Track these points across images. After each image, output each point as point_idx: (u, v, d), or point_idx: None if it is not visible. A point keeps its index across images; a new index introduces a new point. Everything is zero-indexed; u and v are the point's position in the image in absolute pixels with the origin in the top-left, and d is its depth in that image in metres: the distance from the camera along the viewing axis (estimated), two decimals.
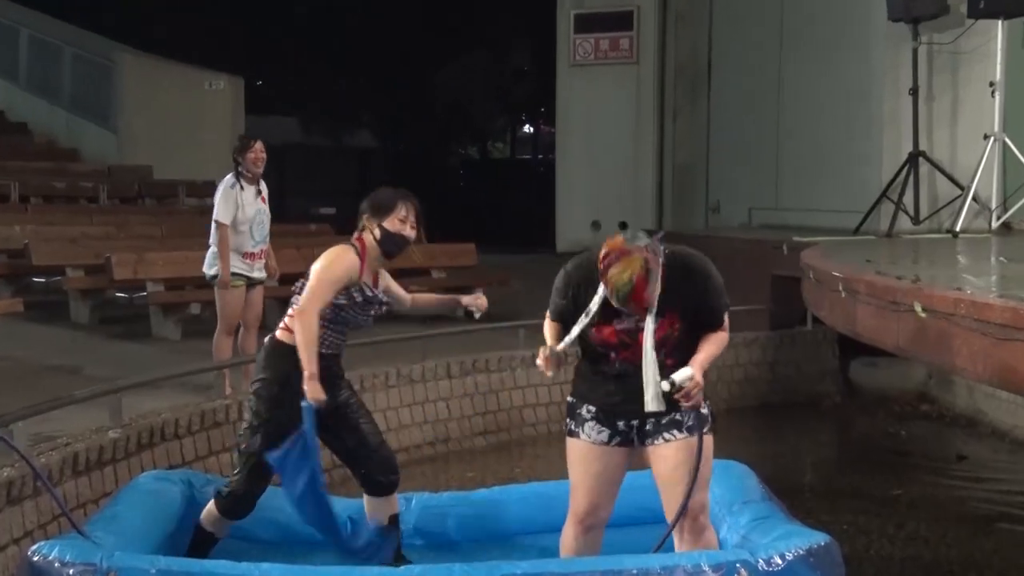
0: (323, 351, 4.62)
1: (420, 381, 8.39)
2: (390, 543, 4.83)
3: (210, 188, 14.51)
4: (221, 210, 7.25)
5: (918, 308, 5.14)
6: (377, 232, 4.69)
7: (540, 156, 28.46)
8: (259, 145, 7.41)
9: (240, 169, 7.37)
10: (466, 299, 5.02)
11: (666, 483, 4.04)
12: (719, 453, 4.23)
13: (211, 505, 4.74)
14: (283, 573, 3.94)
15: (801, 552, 3.92)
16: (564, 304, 4.05)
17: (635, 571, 3.86)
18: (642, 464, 4.18)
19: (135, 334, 9.76)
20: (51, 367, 8.24)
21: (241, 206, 7.28)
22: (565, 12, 15.78)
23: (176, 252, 10.32)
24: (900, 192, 10.79)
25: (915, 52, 10.87)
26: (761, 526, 4.32)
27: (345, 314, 4.70)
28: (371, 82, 23.64)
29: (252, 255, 7.38)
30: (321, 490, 4.58)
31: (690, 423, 3.99)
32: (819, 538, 4.06)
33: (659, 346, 3.88)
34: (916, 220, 10.83)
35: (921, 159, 10.85)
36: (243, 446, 4.71)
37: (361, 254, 4.69)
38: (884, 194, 10.95)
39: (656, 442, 4.02)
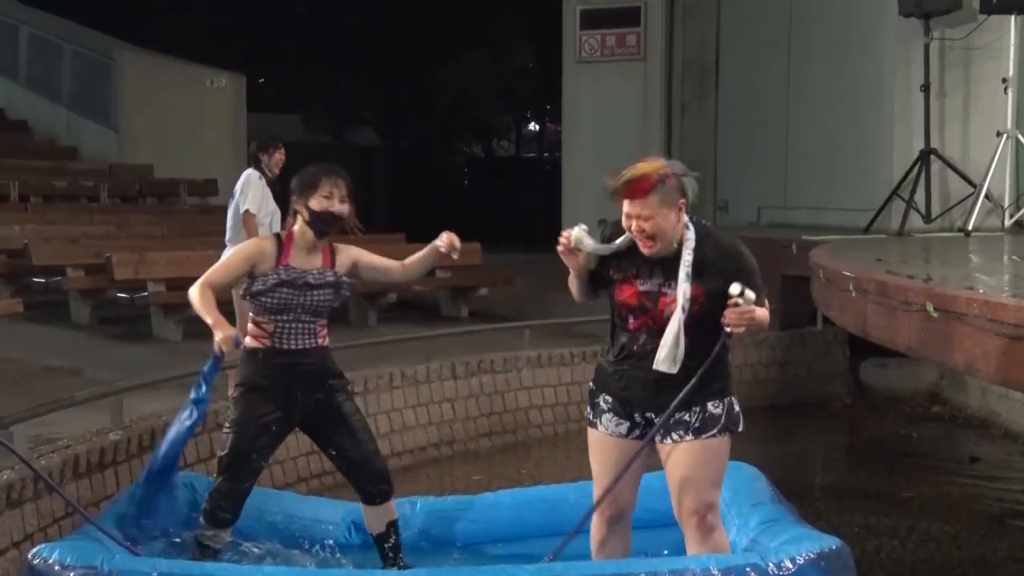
0: (290, 346, 4.62)
1: (424, 382, 8.35)
2: None
3: (212, 187, 14.61)
4: (249, 199, 7.32)
5: (930, 308, 5.09)
6: (306, 213, 4.65)
7: (546, 154, 28.42)
8: (282, 149, 7.53)
9: (262, 167, 7.44)
10: (440, 244, 4.82)
11: (670, 484, 4.02)
12: (729, 454, 4.17)
13: (201, 516, 4.72)
14: None
15: (812, 556, 3.89)
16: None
17: (643, 574, 3.84)
18: (659, 465, 4.15)
19: (136, 335, 9.75)
20: (51, 368, 8.22)
21: (265, 199, 7.35)
22: (571, 8, 15.70)
23: (177, 252, 10.32)
24: (911, 190, 10.73)
25: (927, 48, 10.81)
26: (771, 528, 4.30)
27: (279, 298, 4.59)
28: (374, 79, 23.59)
29: None
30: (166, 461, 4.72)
31: (697, 425, 3.94)
32: (831, 542, 4.02)
33: (691, 312, 3.83)
34: (928, 218, 10.77)
35: (933, 156, 10.79)
36: (221, 449, 4.74)
37: (285, 240, 4.67)
38: (895, 192, 10.88)
39: (664, 441, 3.99)
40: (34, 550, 4.00)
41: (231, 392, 4.82)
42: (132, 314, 10.13)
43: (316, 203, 4.63)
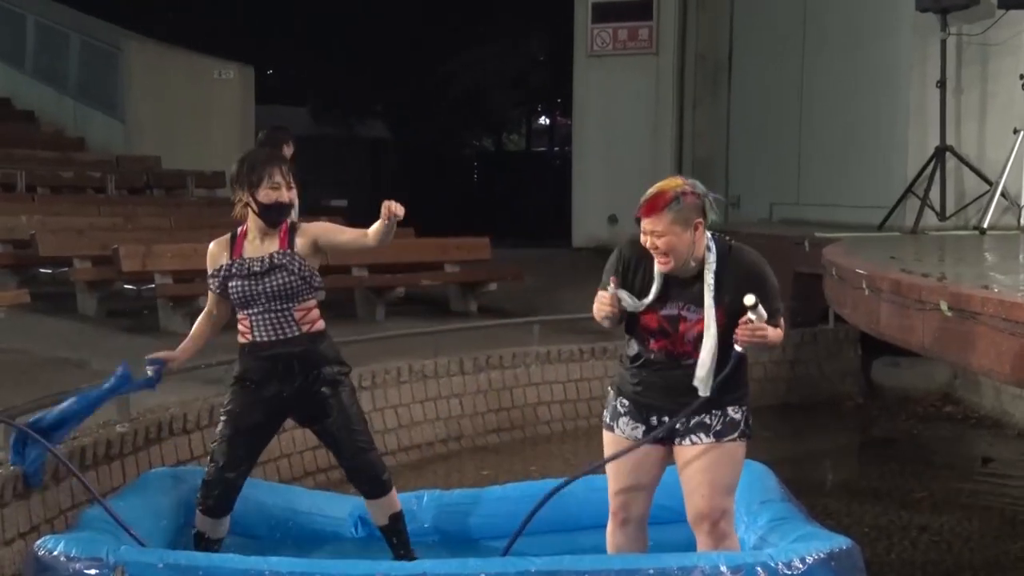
0: (265, 338, 4.60)
1: (433, 377, 8.33)
2: None
3: (219, 179, 14.54)
4: None
5: (944, 307, 5.08)
6: (255, 206, 4.62)
7: (556, 148, 28.37)
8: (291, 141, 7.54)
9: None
10: (385, 210, 4.56)
11: (685, 487, 4.02)
12: None
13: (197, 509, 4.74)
14: (291, 566, 3.94)
15: (823, 556, 3.88)
16: (614, 273, 4.01)
17: (652, 571, 3.84)
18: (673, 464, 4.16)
19: (143, 327, 9.73)
20: (57, 360, 8.18)
21: None
22: (583, 1, 15.65)
23: (185, 244, 10.25)
24: (926, 187, 10.66)
25: (943, 43, 10.72)
26: (780, 527, 4.30)
27: (238, 291, 4.61)
28: (383, 71, 23.53)
29: None
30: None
31: (718, 427, 3.95)
32: (841, 542, 4.01)
33: (698, 339, 3.88)
34: (942, 216, 10.70)
35: (948, 153, 10.72)
36: (212, 440, 4.80)
37: (239, 235, 4.69)
38: (909, 189, 10.81)
39: (683, 443, 4.00)
40: (40, 541, 4.02)
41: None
42: (139, 306, 10.12)
43: (264, 195, 4.59)
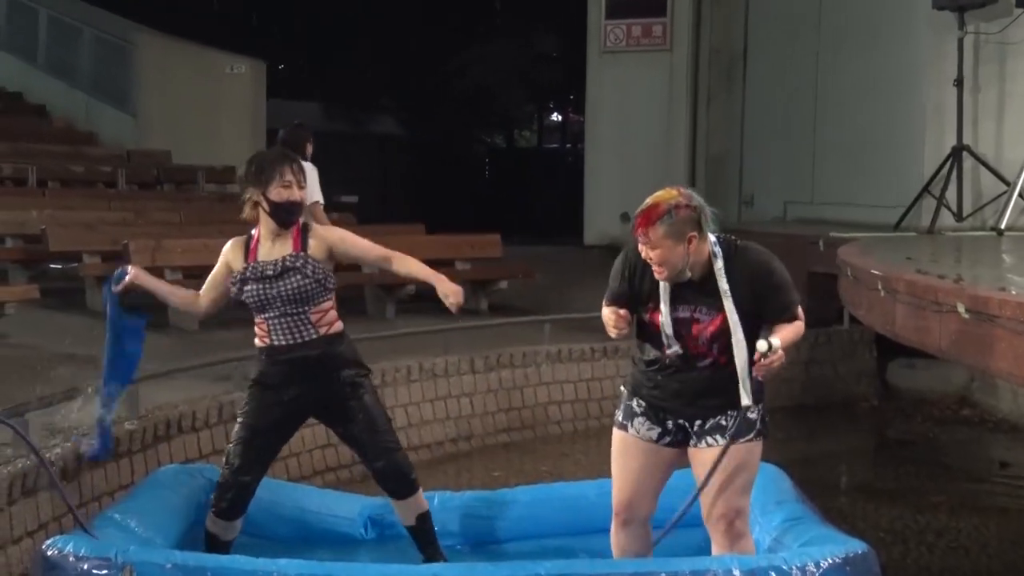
0: (283, 342, 4.55)
1: (443, 376, 8.28)
2: None
3: (230, 174, 14.51)
4: (318, 191, 7.49)
5: (961, 309, 5.05)
6: (267, 205, 4.54)
7: (568, 145, 28.31)
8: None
9: (305, 156, 7.58)
10: (443, 287, 4.62)
11: (701, 487, 4.00)
12: None
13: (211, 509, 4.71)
14: (300, 569, 3.92)
15: (838, 560, 3.84)
16: (620, 288, 4.00)
17: (663, 574, 3.83)
18: (686, 465, 4.15)
19: (152, 323, 9.58)
20: (67, 356, 8.12)
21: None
22: None
23: (195, 239, 10.26)
24: (943, 187, 10.63)
25: (960, 42, 10.69)
26: (794, 529, 4.27)
27: (253, 295, 4.54)
28: (394, 67, 23.49)
29: None
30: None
31: (734, 429, 3.91)
32: (856, 546, 3.97)
33: (712, 340, 3.87)
34: (959, 217, 10.68)
35: (965, 153, 10.70)
36: (228, 442, 4.75)
37: (254, 238, 4.62)
38: (926, 189, 10.80)
39: (699, 445, 3.99)
40: (48, 541, 3.98)
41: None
42: (148, 302, 10.02)
43: (275, 194, 4.52)
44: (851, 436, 9.45)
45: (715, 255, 3.86)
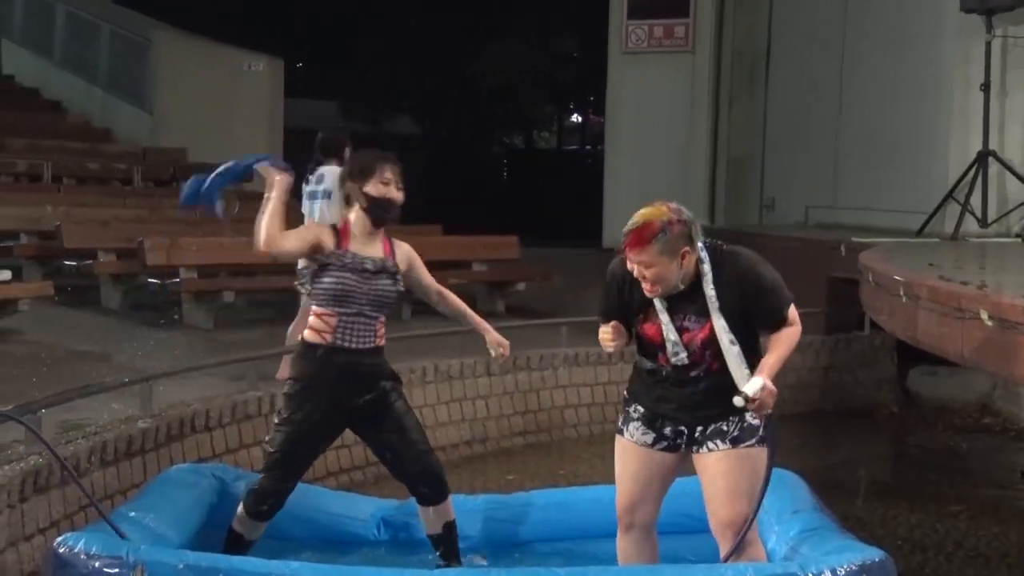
0: (351, 345, 4.52)
1: (458, 378, 8.24)
2: None
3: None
4: None
5: (984, 316, 5.00)
6: (363, 199, 4.53)
7: (588, 147, 28.25)
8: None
9: (342, 162, 7.30)
10: (492, 338, 4.87)
11: (705, 495, 4.01)
12: None
13: (240, 506, 4.67)
14: (313, 572, 3.91)
15: (854, 567, 3.80)
16: (611, 304, 4.02)
17: None
18: (693, 471, 4.14)
19: (166, 323, 9.71)
20: (80, 353, 8.22)
21: None
22: None
23: (210, 238, 10.25)
24: (967, 193, 10.59)
25: (988, 45, 10.63)
26: (811, 538, 4.24)
27: (342, 284, 4.48)
28: (413, 66, 23.49)
29: None
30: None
31: (735, 433, 3.93)
32: (873, 554, 3.93)
33: (703, 347, 3.87)
34: (983, 223, 10.63)
35: (991, 158, 10.64)
36: (267, 443, 4.67)
37: (341, 229, 4.56)
38: (950, 194, 10.74)
39: (701, 451, 3.99)
40: (60, 538, 3.98)
41: (284, 386, 4.72)
42: (163, 300, 10.10)
43: (374, 188, 4.53)
44: (871, 443, 9.36)
45: (702, 262, 3.86)
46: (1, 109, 15.09)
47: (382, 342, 4.62)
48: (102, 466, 5.41)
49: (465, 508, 5.11)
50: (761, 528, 4.55)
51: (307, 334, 4.56)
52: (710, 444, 3.94)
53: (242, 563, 3.97)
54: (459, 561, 4.77)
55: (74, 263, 10.47)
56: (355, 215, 4.56)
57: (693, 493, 4.17)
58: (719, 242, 3.95)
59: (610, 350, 3.96)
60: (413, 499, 4.85)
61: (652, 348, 3.96)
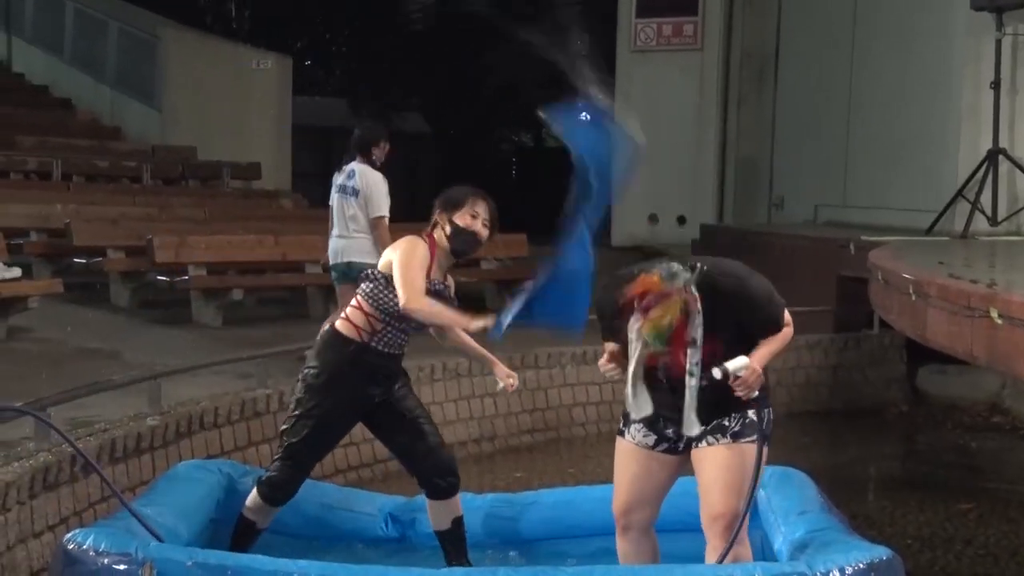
0: (383, 349, 4.56)
1: (467, 376, 8.22)
2: None
3: (255, 170, 14.50)
4: (385, 204, 7.31)
5: (994, 314, 4.99)
6: (448, 228, 4.60)
7: None
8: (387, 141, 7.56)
9: (372, 159, 7.44)
10: (501, 371, 4.87)
11: (700, 486, 4.00)
12: (777, 460, 4.15)
13: (254, 492, 4.68)
14: (321, 570, 3.87)
15: (862, 566, 3.77)
16: (606, 326, 4.09)
17: None
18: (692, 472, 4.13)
19: (175, 319, 9.79)
20: (89, 351, 8.25)
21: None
22: None
23: (219, 236, 10.31)
24: (977, 191, 10.54)
25: (998, 43, 10.59)
26: (819, 538, 4.19)
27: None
28: (422, 64, 23.47)
29: None
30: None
31: (736, 428, 3.92)
32: (881, 552, 3.90)
33: (706, 366, 3.84)
34: (993, 221, 10.60)
35: (1001, 157, 10.60)
36: (284, 431, 4.66)
37: (430, 248, 4.60)
38: (960, 193, 10.69)
39: (700, 445, 3.98)
40: (69, 535, 3.97)
41: (302, 371, 4.70)
42: (172, 298, 10.14)
43: (461, 219, 4.60)
44: (880, 442, 9.34)
45: (692, 291, 3.78)
46: (11, 107, 15.12)
47: (405, 350, 4.72)
48: (111, 463, 5.41)
49: (472, 506, 5.10)
50: (768, 528, 4.59)
51: (342, 326, 4.57)
52: (710, 438, 3.93)
53: (250, 560, 3.95)
54: (465, 555, 4.77)
55: (83, 261, 10.49)
56: (438, 244, 4.60)
57: (682, 495, 4.20)
58: (701, 266, 3.84)
59: (613, 376, 4.03)
60: (420, 496, 4.85)
61: (650, 371, 3.98)
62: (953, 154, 11.17)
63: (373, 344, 4.54)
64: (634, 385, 3.98)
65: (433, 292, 4.53)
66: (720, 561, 3.88)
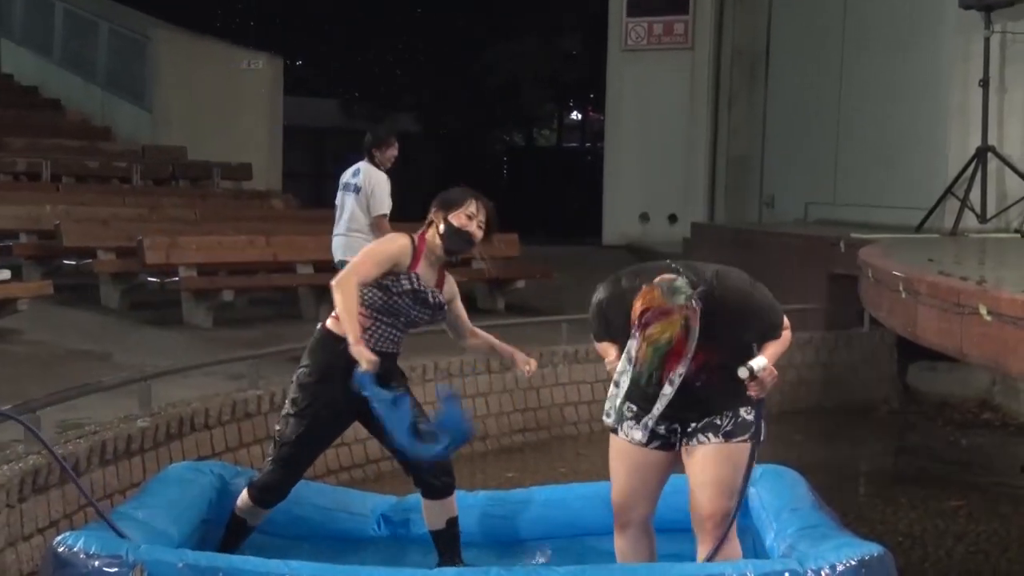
0: (374, 347, 4.51)
1: (458, 375, 8.23)
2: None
3: (246, 171, 14.47)
4: (386, 202, 7.48)
5: (983, 311, 4.99)
6: (442, 226, 4.61)
7: (588, 144, 28.20)
8: (396, 144, 7.69)
9: (375, 161, 7.58)
10: (520, 358, 4.90)
11: (691, 485, 4.00)
12: (768, 457, 4.16)
13: (245, 492, 4.68)
14: (313, 571, 3.88)
15: (853, 563, 3.78)
16: (601, 328, 4.07)
17: None
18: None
19: (166, 320, 9.76)
20: (79, 352, 8.22)
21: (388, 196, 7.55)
22: None
23: (210, 236, 10.28)
24: (967, 188, 10.58)
25: (987, 41, 10.63)
26: (810, 535, 4.20)
27: (394, 302, 4.55)
28: (414, 65, 23.46)
29: None
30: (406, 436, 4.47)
31: (728, 428, 3.92)
32: (872, 549, 3.91)
33: (699, 373, 3.82)
34: (983, 218, 10.62)
35: (990, 154, 10.64)
36: (277, 432, 4.66)
37: (418, 245, 4.62)
38: (949, 190, 10.73)
39: (691, 443, 3.99)
40: (59, 538, 3.97)
41: (296, 372, 4.70)
42: (162, 299, 10.10)
43: (456, 219, 4.61)
44: (871, 439, 9.34)
45: (695, 310, 3.71)
46: (0, 108, 15.07)
47: (399, 349, 4.70)
48: (101, 465, 5.40)
49: (464, 504, 5.07)
50: (759, 525, 4.59)
51: (332, 324, 4.56)
52: (701, 437, 3.93)
53: (241, 562, 3.95)
54: (459, 555, 4.76)
55: (73, 262, 10.44)
56: (431, 237, 4.62)
57: (681, 491, 4.14)
58: (710, 283, 3.79)
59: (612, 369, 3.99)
60: (413, 495, 4.84)
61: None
62: (942, 152, 11.21)
63: (368, 343, 4.51)
64: (623, 402, 3.94)
65: (412, 293, 4.52)
66: (710, 559, 3.88)
